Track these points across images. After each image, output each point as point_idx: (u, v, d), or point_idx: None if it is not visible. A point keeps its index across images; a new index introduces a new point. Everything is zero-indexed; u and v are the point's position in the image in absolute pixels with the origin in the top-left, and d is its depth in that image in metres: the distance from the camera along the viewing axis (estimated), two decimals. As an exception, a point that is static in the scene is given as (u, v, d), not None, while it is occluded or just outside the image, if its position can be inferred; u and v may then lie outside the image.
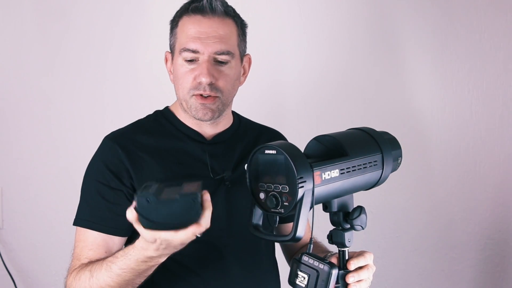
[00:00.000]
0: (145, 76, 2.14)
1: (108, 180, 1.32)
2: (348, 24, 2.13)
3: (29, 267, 2.17)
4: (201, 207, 0.97)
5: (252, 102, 2.07)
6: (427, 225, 2.12)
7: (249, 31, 1.43)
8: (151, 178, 1.30)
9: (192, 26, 1.32)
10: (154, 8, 2.13)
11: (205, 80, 1.30)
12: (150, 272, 1.17)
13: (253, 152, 1.02)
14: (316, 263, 1.00)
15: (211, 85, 1.31)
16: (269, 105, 2.14)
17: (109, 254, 1.29)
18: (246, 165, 1.42)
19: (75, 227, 1.35)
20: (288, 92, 2.15)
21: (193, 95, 1.33)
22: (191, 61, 1.33)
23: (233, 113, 1.51)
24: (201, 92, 1.32)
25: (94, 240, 1.31)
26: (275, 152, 0.98)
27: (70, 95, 2.17)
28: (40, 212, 2.16)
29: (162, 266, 1.22)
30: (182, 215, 0.95)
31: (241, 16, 1.41)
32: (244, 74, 1.43)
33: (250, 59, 1.45)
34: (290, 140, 1.04)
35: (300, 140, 1.11)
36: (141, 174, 1.32)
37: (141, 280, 1.18)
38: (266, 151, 1.00)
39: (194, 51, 1.31)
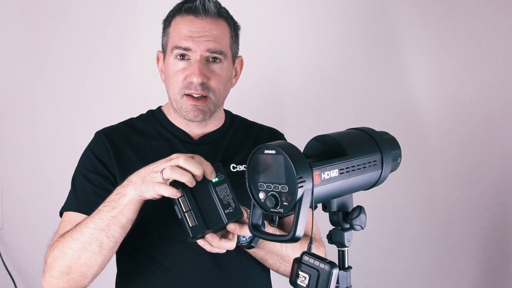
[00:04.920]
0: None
1: (95, 166, 1.35)
2: (348, 24, 2.13)
3: (29, 267, 2.17)
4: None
5: (252, 102, 2.07)
6: (427, 225, 2.11)
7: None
8: (132, 173, 1.33)
9: (184, 26, 1.32)
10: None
11: (196, 80, 1.30)
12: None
13: (253, 152, 1.02)
14: (316, 263, 1.00)
15: (203, 85, 1.31)
16: (269, 105, 2.14)
17: None
18: (232, 165, 1.42)
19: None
20: (288, 92, 2.15)
21: (184, 94, 1.33)
22: (182, 58, 1.32)
23: (227, 113, 1.50)
24: (192, 91, 1.32)
25: (78, 221, 1.30)
26: (275, 152, 0.98)
27: (71, 95, 2.17)
28: (40, 212, 2.16)
29: (139, 263, 1.26)
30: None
31: (239, 14, 1.41)
32: (236, 76, 1.43)
33: (242, 61, 1.44)
34: (290, 140, 1.04)
35: (299, 140, 1.11)
36: (122, 169, 1.34)
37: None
38: (266, 151, 1.00)
39: (186, 49, 1.31)
